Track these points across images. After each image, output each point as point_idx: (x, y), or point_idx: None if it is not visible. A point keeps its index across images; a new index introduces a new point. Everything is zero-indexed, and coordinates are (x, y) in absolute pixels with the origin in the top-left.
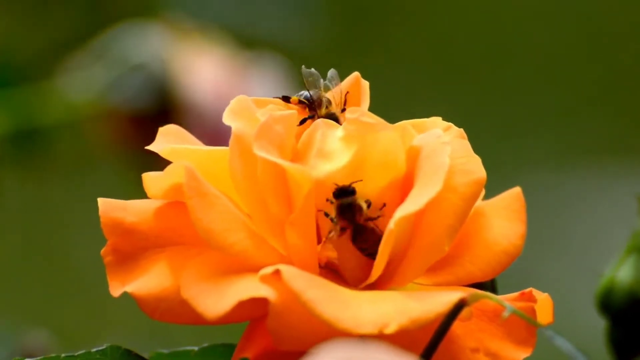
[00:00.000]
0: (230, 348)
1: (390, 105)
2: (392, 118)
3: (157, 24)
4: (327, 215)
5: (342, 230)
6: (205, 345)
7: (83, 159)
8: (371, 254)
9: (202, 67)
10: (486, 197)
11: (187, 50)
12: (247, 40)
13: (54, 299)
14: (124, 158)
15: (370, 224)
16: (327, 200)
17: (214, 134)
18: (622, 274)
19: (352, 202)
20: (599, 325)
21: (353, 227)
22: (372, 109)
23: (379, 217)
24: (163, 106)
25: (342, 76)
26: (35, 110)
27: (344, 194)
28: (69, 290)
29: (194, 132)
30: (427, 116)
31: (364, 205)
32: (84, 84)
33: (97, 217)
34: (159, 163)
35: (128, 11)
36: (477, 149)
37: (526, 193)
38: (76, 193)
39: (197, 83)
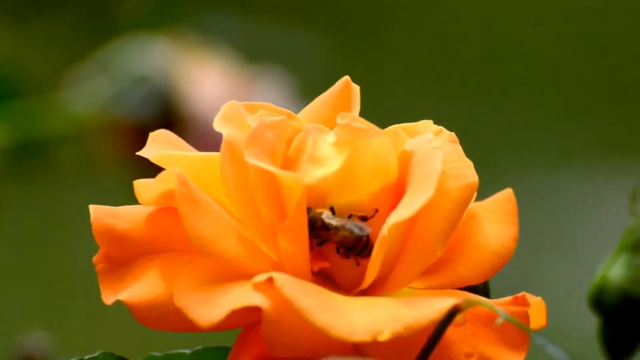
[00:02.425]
0: (222, 351)
1: (390, 106)
2: (391, 119)
3: (161, 37)
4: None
5: (320, 244)
6: (198, 348)
7: (86, 171)
8: (357, 251)
9: (206, 80)
10: (483, 198)
11: (191, 63)
12: (251, 53)
13: (53, 302)
14: (127, 170)
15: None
16: None
17: (217, 146)
18: (614, 272)
19: (311, 218)
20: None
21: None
22: (371, 111)
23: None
24: (166, 119)
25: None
26: (38, 123)
27: None
28: (68, 293)
29: (197, 145)
30: (426, 118)
31: (325, 215)
32: (88, 96)
33: None
34: None
35: (132, 24)
36: (475, 151)
37: (524, 194)
38: (77, 201)
39: (200, 96)
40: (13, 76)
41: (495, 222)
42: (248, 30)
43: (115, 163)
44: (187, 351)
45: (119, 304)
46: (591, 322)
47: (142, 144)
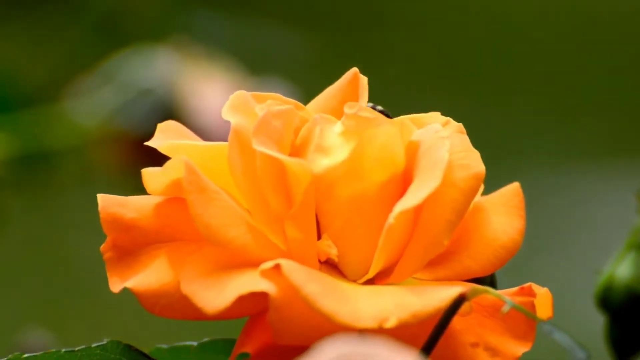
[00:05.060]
0: (229, 343)
1: (390, 105)
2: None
3: (165, 49)
4: None
5: None
6: (205, 340)
7: (89, 182)
8: None
9: (210, 92)
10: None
11: (195, 75)
12: (254, 65)
13: (54, 299)
14: (130, 181)
15: None
16: None
17: None
18: (621, 270)
19: None
20: (599, 323)
21: None
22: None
23: None
24: None
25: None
26: (42, 134)
27: None
28: (70, 295)
29: None
30: None
31: None
32: (92, 107)
33: (98, 218)
34: None
35: (136, 35)
36: (477, 149)
37: (526, 192)
38: (80, 212)
39: (204, 108)
40: (17, 87)
41: (503, 215)
42: (239, 32)
43: (118, 174)
44: (194, 343)
45: (119, 305)
46: (593, 321)
47: (145, 156)
